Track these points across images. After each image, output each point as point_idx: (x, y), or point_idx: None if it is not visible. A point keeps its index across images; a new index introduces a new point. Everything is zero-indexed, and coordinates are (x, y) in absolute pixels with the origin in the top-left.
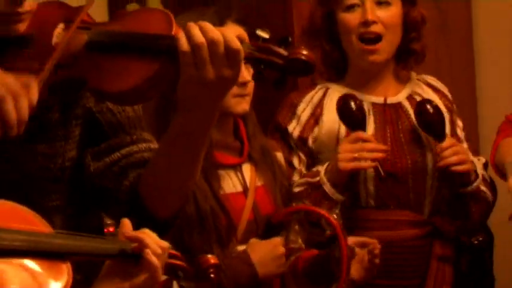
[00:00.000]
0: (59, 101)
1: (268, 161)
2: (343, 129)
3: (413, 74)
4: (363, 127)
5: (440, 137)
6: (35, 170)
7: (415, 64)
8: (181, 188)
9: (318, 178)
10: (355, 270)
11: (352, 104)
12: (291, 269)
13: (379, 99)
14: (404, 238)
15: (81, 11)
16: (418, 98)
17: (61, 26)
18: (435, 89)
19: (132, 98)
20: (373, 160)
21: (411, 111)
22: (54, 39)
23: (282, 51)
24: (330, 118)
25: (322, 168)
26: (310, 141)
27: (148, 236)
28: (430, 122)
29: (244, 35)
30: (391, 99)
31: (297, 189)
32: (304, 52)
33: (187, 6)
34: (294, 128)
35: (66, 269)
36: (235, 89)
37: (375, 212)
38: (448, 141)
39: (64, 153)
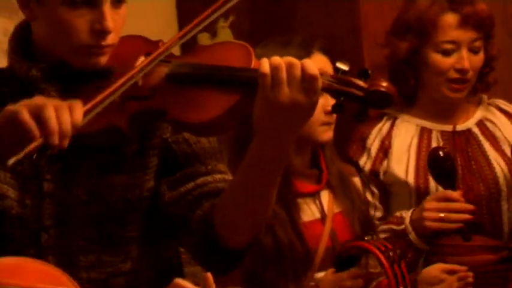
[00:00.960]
0: (137, 131)
1: (346, 187)
2: (412, 158)
3: (484, 98)
4: (452, 183)
5: (450, 187)
6: (114, 201)
7: (486, 91)
8: (255, 218)
9: (403, 226)
10: None
11: (443, 159)
12: None
13: (449, 127)
14: (481, 263)
15: (161, 46)
16: (489, 124)
17: (142, 59)
18: (507, 114)
19: (211, 129)
20: (459, 221)
21: (482, 138)
22: None
23: (362, 83)
24: (399, 149)
25: (407, 216)
26: (381, 175)
27: None
28: (440, 170)
29: (329, 65)
30: (461, 126)
31: (381, 235)
32: (384, 84)
33: (259, 36)
34: (365, 163)
35: None
36: (322, 117)
37: (451, 238)
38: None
39: (142, 183)
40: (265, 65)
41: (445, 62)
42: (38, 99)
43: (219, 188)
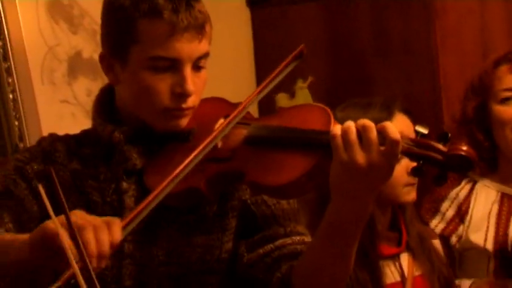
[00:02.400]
0: (217, 193)
1: (426, 249)
2: (492, 226)
3: None
4: None
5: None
6: (193, 262)
7: None
8: (335, 280)
9: None
10: None
11: None
12: None
13: None
14: None
15: (240, 107)
16: None
17: (221, 121)
18: None
19: (291, 192)
20: None
21: None
22: None
23: (441, 147)
24: (478, 216)
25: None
26: (453, 240)
27: None
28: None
29: (411, 125)
30: None
31: None
32: (464, 148)
33: (337, 97)
34: (437, 225)
35: None
36: (406, 178)
37: None
38: None
39: (221, 245)
40: (336, 128)
41: (505, 110)
42: (77, 216)
43: (297, 250)
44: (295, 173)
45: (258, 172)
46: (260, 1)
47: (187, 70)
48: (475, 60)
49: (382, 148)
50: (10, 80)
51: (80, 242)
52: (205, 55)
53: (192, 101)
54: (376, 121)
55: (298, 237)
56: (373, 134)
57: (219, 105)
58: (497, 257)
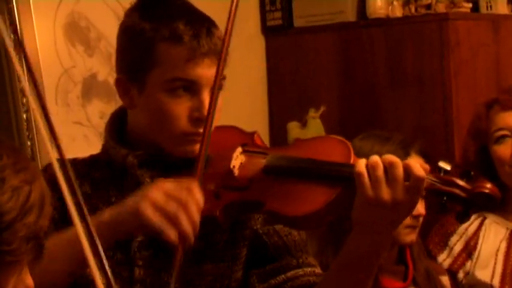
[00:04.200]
0: (231, 221)
1: (432, 285)
2: (499, 263)
3: None
4: None
5: None
6: None
7: None
8: None
9: None
10: None
11: None
12: None
13: None
14: None
15: (256, 138)
16: None
17: (239, 149)
18: None
19: (309, 223)
20: None
21: None
22: (233, 162)
23: (466, 185)
24: (486, 253)
25: None
26: (460, 275)
27: None
28: None
29: (426, 166)
30: None
31: None
32: (488, 185)
33: (348, 127)
34: (444, 260)
35: None
36: (408, 220)
37: None
38: None
39: (231, 274)
40: (361, 164)
41: (501, 149)
42: (153, 189)
43: (310, 282)
44: (316, 205)
45: (277, 202)
46: (275, 29)
47: (205, 94)
48: (489, 93)
49: (406, 184)
50: (25, 101)
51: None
52: (224, 78)
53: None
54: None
55: (309, 269)
56: (400, 170)
57: (233, 133)
58: None
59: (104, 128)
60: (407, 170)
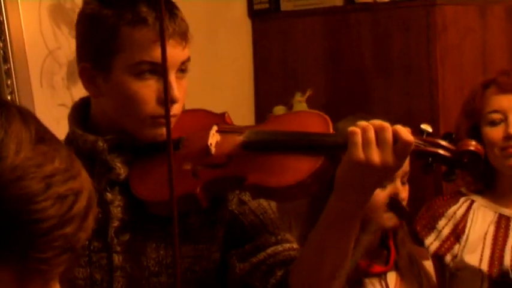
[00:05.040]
0: (211, 199)
1: (415, 270)
2: (487, 247)
3: None
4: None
5: None
6: (183, 273)
7: None
8: (333, 276)
9: None
10: None
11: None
12: None
13: None
14: None
15: (226, 118)
16: None
17: (215, 128)
18: None
19: (295, 193)
20: None
21: None
22: (210, 140)
23: (449, 145)
24: (474, 237)
25: None
26: (448, 258)
27: None
28: None
29: (408, 128)
30: None
31: None
32: (472, 143)
33: (334, 111)
34: (432, 243)
35: None
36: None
37: None
38: None
39: (209, 255)
40: (355, 127)
41: (493, 132)
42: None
43: (291, 256)
44: (300, 175)
45: (259, 175)
46: (262, 13)
47: (172, 76)
48: (475, 78)
49: (394, 147)
50: (9, 82)
51: None
52: (188, 59)
53: (176, 108)
54: None
55: (288, 245)
56: (390, 134)
57: (204, 115)
58: (491, 279)
59: (67, 119)
60: (396, 134)
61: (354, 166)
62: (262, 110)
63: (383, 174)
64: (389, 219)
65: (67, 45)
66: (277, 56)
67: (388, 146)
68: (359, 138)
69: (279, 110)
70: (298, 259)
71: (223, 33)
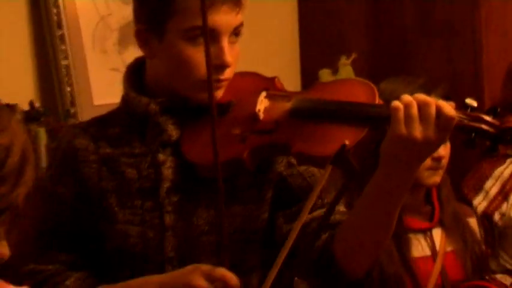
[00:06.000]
0: (258, 164)
1: (460, 227)
2: None
3: None
4: None
5: None
6: (232, 232)
7: None
8: (375, 248)
9: None
10: None
11: None
12: None
13: None
14: None
15: (276, 82)
16: None
17: (263, 94)
18: None
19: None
20: None
21: None
22: (258, 106)
23: (493, 120)
24: None
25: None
26: (496, 217)
27: None
28: None
29: (453, 103)
30: None
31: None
32: None
33: (378, 76)
34: (480, 203)
35: None
36: (429, 162)
37: None
38: None
39: (258, 215)
40: (397, 102)
41: None
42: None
43: (336, 220)
44: (346, 144)
45: (304, 143)
46: None
47: (225, 41)
48: None
49: (437, 122)
50: (63, 47)
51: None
52: (241, 25)
53: (228, 73)
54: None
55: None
56: (433, 109)
57: (254, 80)
58: None
59: (122, 81)
60: (439, 110)
61: (397, 141)
62: (308, 73)
63: (426, 149)
64: (429, 177)
65: (118, 12)
66: (322, 20)
67: (431, 121)
68: (401, 114)
69: (325, 73)
70: (342, 226)
71: (265, 3)
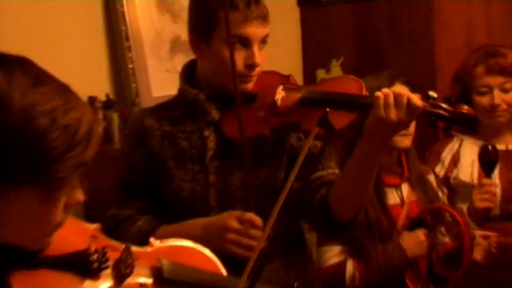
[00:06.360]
0: (276, 138)
1: (422, 182)
2: (475, 168)
3: None
4: (490, 171)
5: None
6: (257, 188)
7: None
8: (359, 197)
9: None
10: (479, 255)
11: (490, 151)
12: (435, 255)
13: (502, 147)
14: None
15: (291, 79)
16: None
17: (281, 87)
18: None
19: (337, 137)
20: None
21: None
22: (277, 96)
23: (449, 107)
24: (466, 163)
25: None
26: (451, 179)
27: None
28: (485, 159)
29: (419, 96)
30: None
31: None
32: (465, 107)
33: (361, 72)
34: (440, 171)
35: None
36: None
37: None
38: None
39: (277, 176)
40: (379, 93)
41: (481, 100)
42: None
43: (331, 179)
44: (341, 124)
45: (311, 123)
46: (308, 3)
47: (255, 47)
48: (463, 50)
49: (407, 108)
50: (130, 55)
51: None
52: (267, 36)
53: (257, 70)
54: (380, 87)
55: (331, 170)
56: (405, 99)
57: (274, 76)
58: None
59: (179, 77)
60: (409, 100)
61: (377, 121)
62: (307, 72)
63: (398, 127)
64: (401, 141)
65: (169, 28)
66: (320, 34)
67: (403, 108)
68: (381, 102)
69: (320, 72)
70: (336, 183)
71: (277, 20)
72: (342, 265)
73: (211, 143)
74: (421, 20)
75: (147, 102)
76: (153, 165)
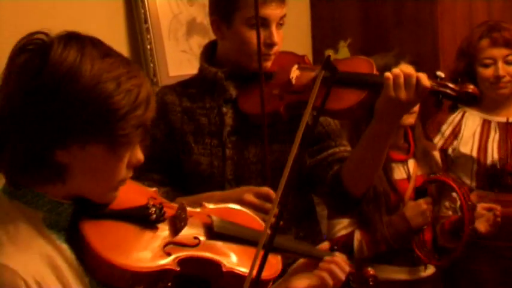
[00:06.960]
0: (290, 115)
1: (427, 158)
2: (476, 141)
3: None
4: None
5: None
6: (272, 162)
7: None
8: (370, 174)
9: None
10: (483, 226)
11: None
12: (440, 228)
13: (503, 119)
14: None
15: (306, 59)
16: None
17: (296, 66)
18: None
19: (345, 115)
20: None
21: None
22: (291, 74)
23: (455, 86)
24: (467, 135)
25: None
26: (450, 151)
27: (338, 262)
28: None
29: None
30: None
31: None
32: (471, 87)
33: (367, 52)
34: (438, 142)
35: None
36: None
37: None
38: None
39: (289, 151)
40: (389, 73)
41: (485, 72)
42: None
43: (344, 156)
44: (351, 102)
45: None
46: None
47: (273, 27)
48: (464, 32)
49: (416, 88)
50: (148, 36)
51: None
52: (285, 16)
53: (275, 49)
54: (387, 65)
55: (343, 148)
56: (414, 79)
57: (290, 56)
58: (479, 162)
59: (200, 56)
60: (418, 80)
61: (387, 101)
62: (317, 53)
63: (407, 107)
64: (407, 119)
65: (186, 11)
66: (329, 16)
67: (412, 88)
68: (391, 82)
69: (329, 52)
70: (348, 160)
71: (289, 3)
72: (350, 236)
73: (228, 119)
74: (425, 4)
75: (164, 81)
76: (173, 139)
